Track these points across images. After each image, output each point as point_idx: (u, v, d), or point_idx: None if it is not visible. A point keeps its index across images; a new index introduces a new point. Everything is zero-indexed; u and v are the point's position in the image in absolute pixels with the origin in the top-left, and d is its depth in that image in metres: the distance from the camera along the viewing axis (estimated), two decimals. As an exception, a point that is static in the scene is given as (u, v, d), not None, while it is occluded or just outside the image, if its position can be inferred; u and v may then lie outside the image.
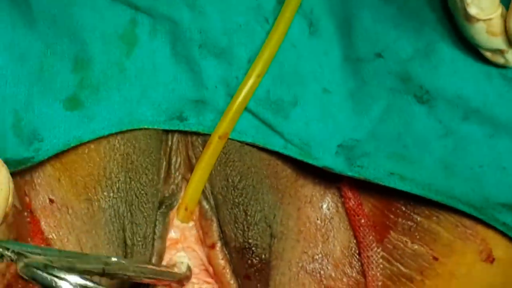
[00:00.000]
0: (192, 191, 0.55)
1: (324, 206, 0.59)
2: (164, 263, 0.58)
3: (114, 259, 0.48)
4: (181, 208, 0.56)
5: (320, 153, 0.55)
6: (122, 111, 0.54)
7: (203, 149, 0.56)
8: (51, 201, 0.55)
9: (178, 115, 0.55)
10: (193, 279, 0.58)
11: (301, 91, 0.56)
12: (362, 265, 0.59)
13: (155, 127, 0.55)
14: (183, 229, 0.58)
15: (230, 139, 0.55)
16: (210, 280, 0.59)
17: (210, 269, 0.59)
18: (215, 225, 0.57)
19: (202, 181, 0.55)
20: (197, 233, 0.59)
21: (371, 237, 0.58)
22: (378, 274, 0.58)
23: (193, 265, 0.58)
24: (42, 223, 0.55)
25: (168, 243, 0.57)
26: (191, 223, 0.58)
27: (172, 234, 0.58)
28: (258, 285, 0.57)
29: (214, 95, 0.55)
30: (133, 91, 0.55)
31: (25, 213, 0.55)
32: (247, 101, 0.54)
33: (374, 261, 0.58)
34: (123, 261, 0.49)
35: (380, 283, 0.58)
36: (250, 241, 0.56)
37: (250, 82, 0.54)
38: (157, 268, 0.54)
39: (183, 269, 0.57)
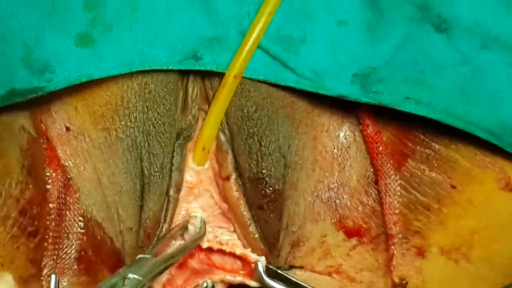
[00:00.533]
0: (209, 130, 0.56)
1: (341, 135, 0.59)
2: (180, 215, 0.59)
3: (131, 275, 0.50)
4: (198, 148, 0.57)
5: (334, 83, 0.55)
6: (134, 52, 0.55)
7: (219, 83, 0.56)
8: (67, 129, 0.57)
9: (193, 55, 0.55)
10: (208, 228, 0.59)
11: (310, 28, 0.56)
12: (379, 193, 0.59)
13: (170, 67, 0.55)
14: (199, 172, 0.59)
15: (243, 77, 0.55)
16: (224, 224, 0.61)
17: (224, 205, 0.59)
18: (230, 157, 0.57)
19: (218, 120, 0.56)
20: (212, 173, 0.59)
21: (389, 165, 0.58)
22: (395, 202, 0.59)
23: (207, 213, 0.59)
24: (59, 150, 0.56)
25: (184, 191, 0.58)
26: (207, 164, 0.58)
27: (188, 177, 0.59)
28: (271, 215, 0.58)
29: (227, 33, 0.55)
30: (146, 31, 0.55)
31: (41, 140, 0.57)
32: (259, 39, 0.54)
33: (392, 189, 0.59)
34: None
35: (397, 211, 0.59)
36: (264, 171, 0.57)
37: (262, 21, 0.54)
38: (175, 249, 0.55)
39: (197, 224, 0.58)
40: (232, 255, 0.60)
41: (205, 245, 0.58)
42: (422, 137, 0.59)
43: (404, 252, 0.60)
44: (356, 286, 0.62)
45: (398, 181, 0.59)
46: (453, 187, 0.59)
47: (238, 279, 0.60)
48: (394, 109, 0.55)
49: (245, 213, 0.58)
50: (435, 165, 0.59)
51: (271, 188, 0.57)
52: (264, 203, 0.58)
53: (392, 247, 0.59)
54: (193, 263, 0.59)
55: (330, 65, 0.55)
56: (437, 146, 0.59)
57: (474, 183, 0.59)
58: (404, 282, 0.59)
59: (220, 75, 0.55)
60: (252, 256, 0.59)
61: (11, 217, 0.53)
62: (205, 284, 0.59)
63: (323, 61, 0.55)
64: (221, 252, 0.60)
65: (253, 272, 0.59)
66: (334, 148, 0.59)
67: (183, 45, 0.54)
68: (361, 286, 0.62)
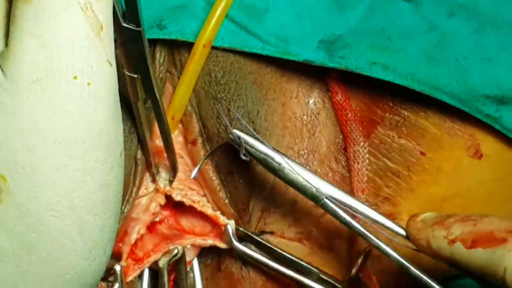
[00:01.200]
0: (179, 101, 0.57)
1: (311, 101, 0.60)
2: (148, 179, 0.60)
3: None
4: (167, 117, 0.58)
5: (299, 49, 0.56)
6: None
7: (185, 49, 0.56)
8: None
9: (158, 23, 0.56)
10: (179, 185, 0.60)
11: None
12: (347, 160, 0.60)
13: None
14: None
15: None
16: (195, 187, 0.61)
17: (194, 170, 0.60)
18: (194, 121, 0.58)
19: (189, 90, 0.57)
20: (183, 139, 0.60)
21: (358, 132, 0.59)
22: (363, 169, 0.60)
23: (180, 172, 0.60)
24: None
25: (153, 154, 0.59)
26: (176, 132, 0.59)
27: (157, 143, 0.59)
28: (241, 180, 0.60)
29: (193, 1, 0.56)
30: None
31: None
32: (228, 8, 0.55)
33: (360, 156, 0.60)
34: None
35: (365, 178, 0.60)
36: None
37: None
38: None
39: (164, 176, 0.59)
40: (202, 217, 0.61)
41: (177, 197, 0.59)
42: (391, 104, 0.60)
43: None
44: (325, 253, 0.63)
45: (367, 148, 0.60)
46: (423, 154, 0.60)
47: (209, 242, 0.61)
48: (361, 75, 0.56)
49: (214, 178, 0.59)
50: (404, 132, 0.60)
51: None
52: (233, 169, 0.59)
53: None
54: (163, 228, 0.60)
55: (295, 32, 0.56)
56: (406, 113, 0.60)
57: (444, 150, 0.60)
58: (367, 249, 0.59)
59: (187, 43, 0.56)
60: (222, 218, 0.60)
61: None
62: (175, 251, 0.60)
63: (288, 28, 0.56)
64: (190, 215, 0.61)
65: (223, 235, 0.60)
66: (304, 114, 0.60)
67: (146, 13, 0.55)
68: (331, 254, 0.63)
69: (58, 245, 0.41)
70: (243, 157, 0.53)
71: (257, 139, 0.53)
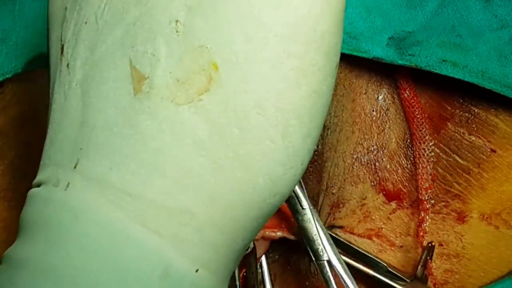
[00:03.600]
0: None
1: (380, 97, 0.64)
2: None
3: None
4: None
5: (369, 45, 0.60)
6: None
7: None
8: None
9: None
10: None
11: None
12: (414, 158, 0.63)
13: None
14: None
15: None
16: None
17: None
18: None
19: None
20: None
21: (424, 130, 0.63)
22: (428, 167, 0.63)
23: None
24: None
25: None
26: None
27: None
28: (311, 176, 0.63)
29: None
30: None
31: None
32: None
33: (425, 154, 0.63)
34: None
35: (430, 177, 0.62)
36: (303, 131, 0.62)
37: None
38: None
39: None
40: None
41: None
42: (461, 100, 0.63)
43: (444, 217, 0.64)
44: (396, 251, 0.66)
45: (435, 146, 0.63)
46: (493, 151, 0.62)
47: (278, 234, 0.64)
48: (431, 73, 0.59)
49: None
50: (475, 128, 0.63)
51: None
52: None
53: (422, 212, 0.63)
54: (233, 221, 0.64)
55: (365, 28, 0.59)
56: (476, 110, 0.62)
57: (514, 147, 0.62)
58: (430, 245, 0.63)
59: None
60: None
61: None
62: None
63: (358, 25, 0.59)
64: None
65: (291, 227, 0.64)
66: (373, 110, 0.63)
67: None
68: (401, 251, 0.66)
69: (258, 145, 0.40)
70: None
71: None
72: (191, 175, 0.40)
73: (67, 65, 0.44)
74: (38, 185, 0.43)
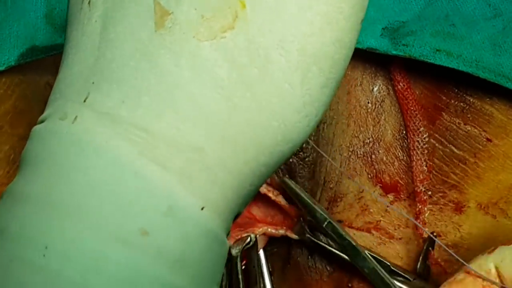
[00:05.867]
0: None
1: (375, 89, 0.66)
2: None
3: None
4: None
5: (362, 36, 0.62)
6: None
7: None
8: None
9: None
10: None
11: None
12: (408, 149, 0.65)
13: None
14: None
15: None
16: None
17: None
18: None
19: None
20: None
21: (418, 122, 0.65)
22: (422, 159, 0.65)
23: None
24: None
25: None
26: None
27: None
28: (307, 172, 0.66)
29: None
30: None
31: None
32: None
33: (419, 147, 0.65)
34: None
35: (425, 168, 0.65)
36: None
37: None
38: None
39: None
40: (273, 207, 0.67)
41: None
42: (456, 90, 0.65)
43: (441, 207, 0.66)
44: (395, 243, 0.68)
45: (433, 135, 0.65)
46: (489, 140, 0.65)
47: (281, 232, 0.66)
48: (426, 62, 0.61)
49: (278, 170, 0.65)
50: (470, 118, 0.65)
51: (304, 144, 0.65)
52: (299, 159, 0.65)
53: (419, 204, 0.65)
54: (235, 216, 0.67)
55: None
56: (471, 99, 0.65)
57: (510, 136, 0.65)
58: (434, 234, 0.65)
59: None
60: (295, 210, 0.66)
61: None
62: (249, 238, 0.66)
63: None
64: (261, 204, 0.67)
65: (294, 226, 0.66)
66: (368, 102, 0.66)
67: None
68: (400, 243, 0.68)
69: (276, 87, 0.41)
70: None
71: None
72: (205, 112, 0.41)
73: (89, 2, 0.45)
74: (43, 121, 0.44)
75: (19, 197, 0.42)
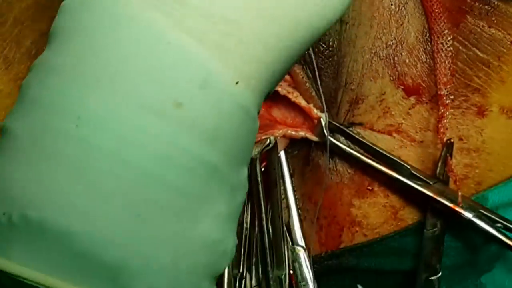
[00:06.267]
0: None
1: (398, -9, 0.65)
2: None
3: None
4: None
5: None
6: None
7: None
8: None
9: None
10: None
11: None
12: (433, 52, 0.65)
13: None
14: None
15: None
16: (286, 77, 0.67)
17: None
18: None
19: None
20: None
21: (443, 24, 0.64)
22: (447, 62, 0.65)
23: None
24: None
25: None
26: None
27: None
28: (328, 72, 0.66)
29: None
30: None
31: None
32: None
33: (444, 49, 0.65)
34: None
35: (449, 72, 0.65)
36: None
37: None
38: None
39: None
40: (294, 109, 0.67)
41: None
42: (480, -8, 0.64)
43: (463, 111, 0.66)
44: (416, 146, 0.69)
45: (457, 38, 0.65)
46: (513, 44, 0.64)
47: (301, 134, 0.67)
48: (451, -37, 0.60)
49: (298, 71, 0.65)
50: (494, 21, 0.64)
51: (324, 45, 0.65)
52: (325, 57, 0.65)
53: (442, 108, 0.65)
54: (255, 118, 0.67)
55: None
56: (496, 2, 0.64)
57: (535, 39, 0.64)
58: (449, 142, 0.65)
59: None
60: (315, 111, 0.66)
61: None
62: (268, 140, 0.67)
63: None
64: (282, 106, 0.68)
65: (314, 128, 0.67)
66: (392, 4, 0.65)
67: None
68: (421, 146, 0.69)
69: None
70: None
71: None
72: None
73: None
74: None
75: (51, 68, 0.42)
